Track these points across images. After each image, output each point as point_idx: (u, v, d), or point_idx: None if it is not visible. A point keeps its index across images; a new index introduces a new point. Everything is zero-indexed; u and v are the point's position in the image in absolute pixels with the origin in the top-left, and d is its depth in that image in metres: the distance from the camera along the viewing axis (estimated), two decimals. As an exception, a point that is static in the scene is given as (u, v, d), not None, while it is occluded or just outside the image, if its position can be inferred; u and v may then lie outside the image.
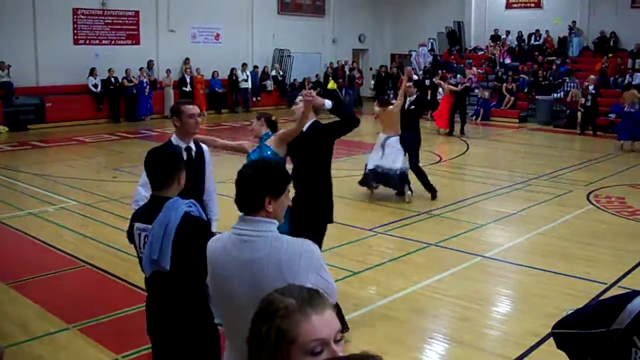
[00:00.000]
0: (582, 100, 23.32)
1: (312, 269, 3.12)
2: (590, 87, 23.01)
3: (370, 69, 33.71)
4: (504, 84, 27.42)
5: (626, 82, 24.39)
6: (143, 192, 5.21)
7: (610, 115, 23.09)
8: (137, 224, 4.11)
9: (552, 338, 3.12)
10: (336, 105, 6.23)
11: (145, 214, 4.07)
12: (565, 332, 3.09)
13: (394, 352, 6.13)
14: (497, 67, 29.69)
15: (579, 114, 23.52)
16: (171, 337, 4.08)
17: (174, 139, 5.65)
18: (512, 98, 26.90)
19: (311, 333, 1.91)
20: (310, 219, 6.28)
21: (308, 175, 6.39)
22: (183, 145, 5.55)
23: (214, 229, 5.25)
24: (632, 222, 11.28)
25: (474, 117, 26.55)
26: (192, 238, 3.90)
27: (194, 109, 5.69)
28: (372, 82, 31.42)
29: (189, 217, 3.96)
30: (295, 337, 1.90)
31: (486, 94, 27.08)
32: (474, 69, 29.41)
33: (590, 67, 26.84)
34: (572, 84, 25.75)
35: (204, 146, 5.90)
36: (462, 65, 30.05)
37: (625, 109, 19.85)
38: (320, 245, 6.36)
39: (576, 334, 3.02)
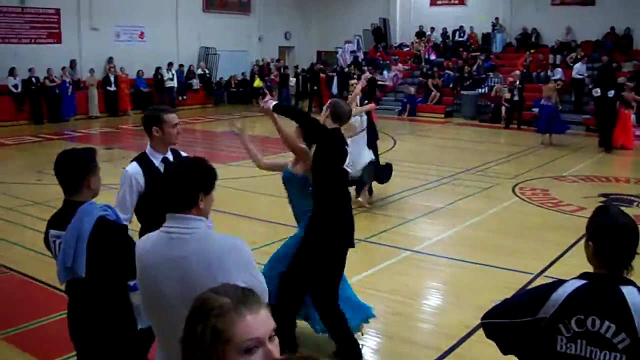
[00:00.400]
0: (508, 95, 23.80)
1: (243, 267, 3.10)
2: (517, 82, 23.49)
3: (296, 66, 33.71)
4: (430, 80, 27.77)
5: (548, 76, 25.05)
6: (122, 216, 4.66)
7: (533, 109, 23.62)
8: (51, 231, 3.97)
9: (482, 328, 3.16)
10: (277, 105, 5.85)
11: (59, 219, 3.93)
12: (494, 322, 3.13)
13: (328, 348, 6.11)
14: (423, 63, 30.02)
15: (504, 108, 24.04)
16: (92, 343, 3.97)
17: (149, 150, 5.12)
18: (438, 93, 27.27)
19: (246, 332, 1.91)
20: (316, 242, 5.81)
21: (316, 193, 5.85)
22: (159, 157, 5.10)
23: None
24: (556, 213, 11.53)
25: (401, 113, 26.85)
26: (108, 243, 3.80)
27: (175, 117, 5.17)
28: (294, 79, 31.06)
29: (103, 221, 3.84)
30: (230, 337, 1.90)
31: (412, 89, 27.38)
32: (400, 65, 29.72)
33: (513, 63, 27.42)
34: (496, 79, 26.25)
35: (184, 154, 5.28)
36: (387, 62, 30.33)
37: (542, 102, 20.29)
38: (335, 276, 5.86)
39: (504, 323, 3.07)
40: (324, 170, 5.74)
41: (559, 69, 25.85)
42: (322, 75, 29.60)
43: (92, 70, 25.55)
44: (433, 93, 27.31)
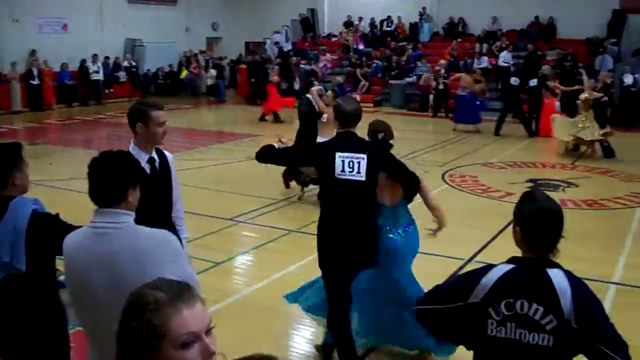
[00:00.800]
0: (434, 83, 24.10)
1: (172, 260, 3.06)
2: (442, 71, 23.80)
3: (225, 57, 33.40)
4: (358, 69, 27.86)
5: (475, 65, 25.41)
6: None
7: (460, 97, 24.01)
8: None
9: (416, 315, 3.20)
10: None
11: None
12: (427, 308, 3.17)
13: (261, 340, 6.10)
14: (351, 53, 30.10)
15: (431, 97, 24.34)
16: (21, 345, 3.84)
17: (133, 148, 4.66)
18: (367, 83, 27.41)
19: (182, 327, 1.90)
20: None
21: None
22: (145, 157, 4.69)
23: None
24: (485, 199, 11.74)
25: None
26: (45, 235, 3.71)
27: (163, 115, 4.73)
28: (214, 70, 30.69)
29: (37, 214, 3.76)
30: (166, 331, 1.88)
31: (339, 79, 27.39)
32: (328, 55, 29.79)
33: (440, 52, 27.73)
34: (424, 68, 26.51)
35: (168, 154, 5.04)
36: (316, 52, 30.36)
37: (458, 92, 20.60)
38: (333, 291, 5.52)
39: (437, 309, 3.11)
40: (319, 181, 5.61)
41: (485, 58, 26.30)
42: (242, 66, 29.52)
43: (13, 64, 24.80)
44: (362, 82, 27.41)
